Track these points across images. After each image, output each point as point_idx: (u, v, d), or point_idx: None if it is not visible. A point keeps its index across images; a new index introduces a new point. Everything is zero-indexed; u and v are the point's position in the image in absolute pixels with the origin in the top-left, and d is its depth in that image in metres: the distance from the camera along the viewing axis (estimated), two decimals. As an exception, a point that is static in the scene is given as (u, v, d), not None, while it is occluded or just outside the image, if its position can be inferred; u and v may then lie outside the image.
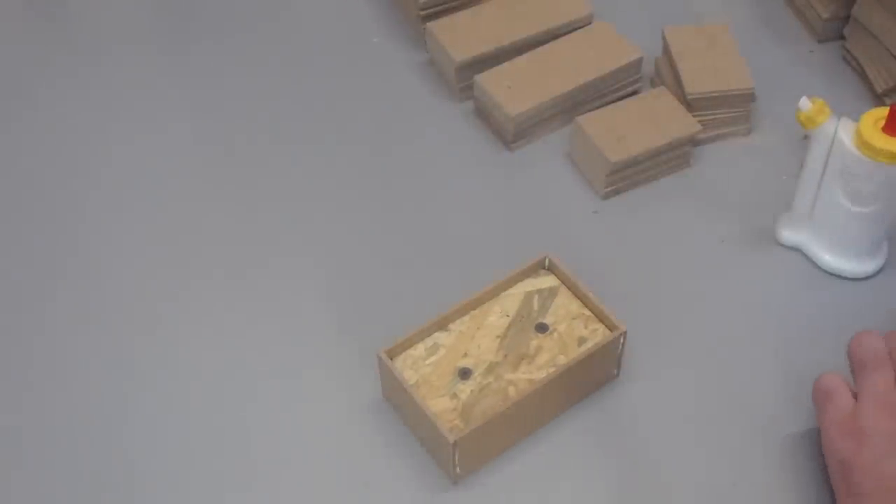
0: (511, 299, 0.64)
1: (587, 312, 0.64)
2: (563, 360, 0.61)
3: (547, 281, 0.65)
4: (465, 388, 0.60)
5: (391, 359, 0.61)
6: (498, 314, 0.64)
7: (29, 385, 0.66)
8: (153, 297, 0.71)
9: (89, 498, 0.60)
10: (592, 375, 0.63)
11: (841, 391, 0.58)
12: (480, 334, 0.63)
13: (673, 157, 0.76)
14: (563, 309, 0.64)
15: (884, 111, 0.64)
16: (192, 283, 0.71)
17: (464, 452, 0.58)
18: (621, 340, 0.62)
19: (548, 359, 0.61)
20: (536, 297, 0.64)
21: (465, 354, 0.62)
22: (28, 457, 0.62)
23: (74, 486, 0.61)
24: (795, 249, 0.71)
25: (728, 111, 0.78)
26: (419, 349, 0.62)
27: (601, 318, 0.63)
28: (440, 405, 0.59)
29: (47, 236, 0.75)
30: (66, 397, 0.65)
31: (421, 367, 0.61)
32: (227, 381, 0.66)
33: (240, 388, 0.65)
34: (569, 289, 0.65)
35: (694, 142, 0.77)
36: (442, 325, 0.63)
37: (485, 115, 0.81)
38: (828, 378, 0.59)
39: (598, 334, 0.62)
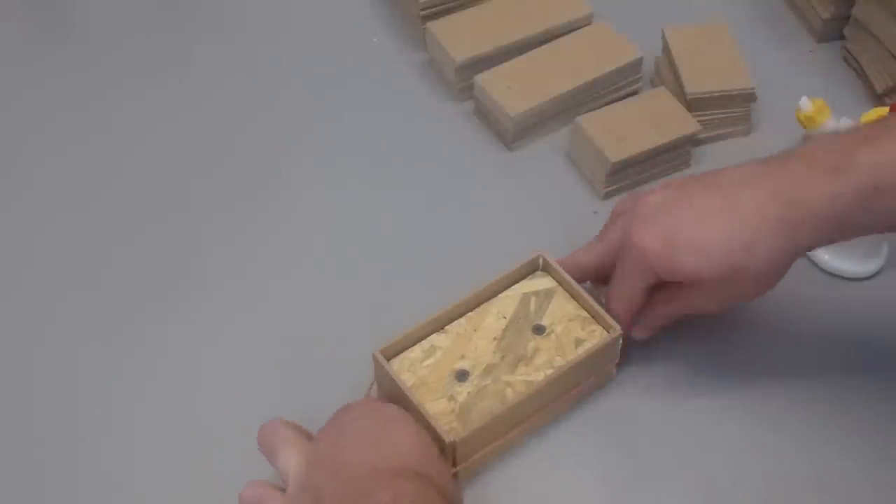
0: (508, 301, 0.64)
1: (584, 314, 0.63)
2: (560, 361, 0.61)
3: (544, 283, 0.65)
4: (463, 391, 0.60)
5: (387, 360, 0.60)
6: (495, 316, 0.63)
7: None
8: (149, 291, 0.71)
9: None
10: (591, 376, 0.63)
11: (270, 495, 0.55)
12: (477, 336, 0.62)
13: (673, 157, 0.76)
14: (560, 310, 0.64)
15: (883, 111, 0.64)
16: (187, 282, 0.71)
17: (462, 454, 0.58)
18: (619, 341, 0.62)
19: (545, 360, 0.61)
20: (533, 298, 0.64)
21: (463, 356, 0.62)
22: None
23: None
24: (795, 250, 0.71)
25: (728, 111, 0.78)
26: (416, 351, 0.62)
27: (598, 319, 0.63)
28: (438, 407, 0.59)
29: (45, 234, 0.75)
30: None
31: (418, 369, 0.61)
32: (219, 384, 0.65)
33: (232, 392, 0.65)
34: (565, 290, 0.64)
35: (694, 142, 0.77)
36: (438, 326, 0.63)
37: (485, 115, 0.81)
38: (252, 487, 0.55)
39: (595, 335, 0.62)
